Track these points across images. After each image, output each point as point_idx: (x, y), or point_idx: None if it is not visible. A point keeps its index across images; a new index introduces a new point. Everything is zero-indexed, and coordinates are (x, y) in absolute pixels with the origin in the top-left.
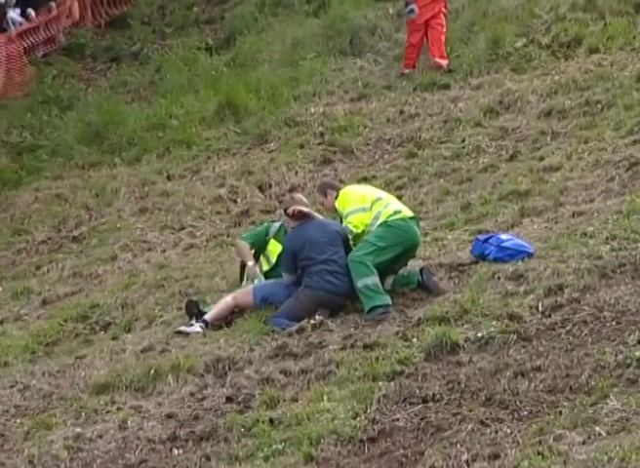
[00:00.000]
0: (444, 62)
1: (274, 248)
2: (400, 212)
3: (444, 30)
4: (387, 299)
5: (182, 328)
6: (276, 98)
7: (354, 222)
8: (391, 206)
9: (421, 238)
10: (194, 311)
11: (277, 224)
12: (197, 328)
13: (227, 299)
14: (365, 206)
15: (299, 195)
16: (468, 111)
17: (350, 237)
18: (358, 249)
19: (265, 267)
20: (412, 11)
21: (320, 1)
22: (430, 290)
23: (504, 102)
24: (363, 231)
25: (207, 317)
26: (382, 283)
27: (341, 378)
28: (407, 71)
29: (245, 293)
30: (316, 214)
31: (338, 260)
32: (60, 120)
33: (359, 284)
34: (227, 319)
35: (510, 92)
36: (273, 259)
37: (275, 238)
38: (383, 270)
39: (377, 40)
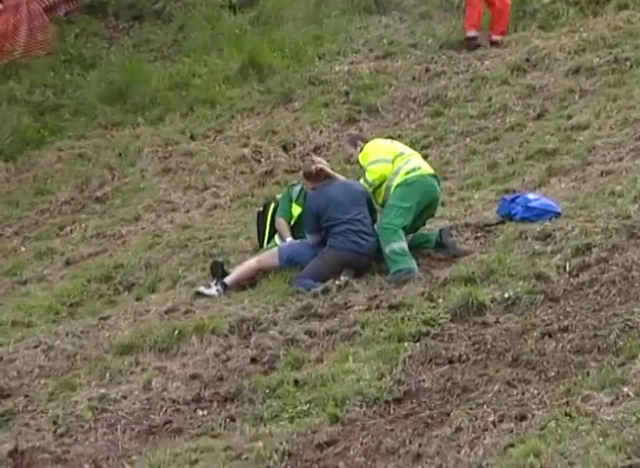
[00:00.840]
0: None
1: (295, 211)
2: (419, 168)
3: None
4: (413, 263)
5: (201, 288)
6: (300, 57)
7: (375, 171)
8: (412, 162)
9: (445, 197)
10: (219, 272)
11: (297, 188)
12: (214, 290)
13: (251, 262)
14: (387, 157)
15: (319, 158)
16: (495, 69)
17: (370, 190)
18: (385, 215)
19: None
20: None
21: None
22: (448, 249)
23: (532, 60)
24: (381, 185)
25: (227, 280)
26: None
27: (367, 339)
28: (471, 34)
29: (270, 255)
30: (338, 175)
31: (362, 220)
32: (83, 79)
33: (387, 249)
34: (251, 281)
35: (538, 49)
36: (291, 222)
37: (296, 202)
38: (406, 230)
39: None
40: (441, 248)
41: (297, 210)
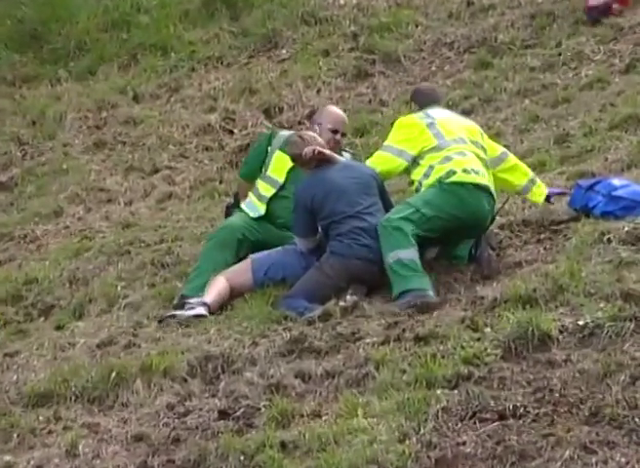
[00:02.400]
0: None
1: (280, 163)
2: (465, 171)
3: None
4: (426, 282)
5: (177, 312)
6: None
7: (375, 162)
8: (454, 161)
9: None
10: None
11: (285, 133)
12: (200, 310)
13: (220, 278)
14: (405, 148)
15: (310, 133)
16: (567, 1)
17: None
18: (395, 211)
19: (269, 192)
20: None
21: None
22: (481, 267)
23: None
24: (412, 182)
25: (207, 299)
26: (422, 256)
27: (383, 384)
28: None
29: (240, 270)
30: (339, 157)
31: (375, 214)
32: None
33: (390, 257)
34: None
35: None
36: (281, 178)
37: (282, 150)
38: (425, 243)
39: None
40: (475, 263)
41: (284, 162)
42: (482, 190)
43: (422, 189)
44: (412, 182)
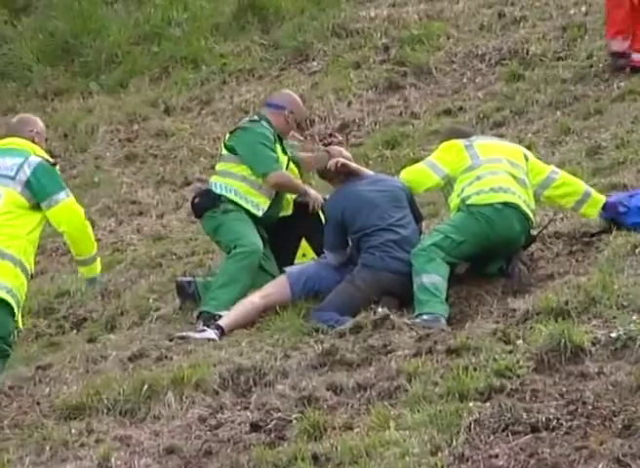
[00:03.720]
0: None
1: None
2: (492, 190)
3: None
4: (441, 309)
5: (188, 333)
6: None
7: (408, 171)
8: (483, 180)
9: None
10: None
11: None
12: (211, 333)
13: (254, 299)
14: (438, 164)
15: (337, 148)
16: (598, 14)
17: None
18: (427, 238)
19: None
20: None
21: None
22: (512, 281)
23: None
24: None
25: (223, 322)
26: (452, 272)
27: (415, 397)
28: (615, 48)
29: (277, 286)
30: (366, 170)
31: (407, 226)
32: (13, 28)
33: (415, 281)
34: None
35: None
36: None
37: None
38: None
39: None
40: (506, 278)
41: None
42: (512, 209)
43: (451, 212)
44: (449, 207)
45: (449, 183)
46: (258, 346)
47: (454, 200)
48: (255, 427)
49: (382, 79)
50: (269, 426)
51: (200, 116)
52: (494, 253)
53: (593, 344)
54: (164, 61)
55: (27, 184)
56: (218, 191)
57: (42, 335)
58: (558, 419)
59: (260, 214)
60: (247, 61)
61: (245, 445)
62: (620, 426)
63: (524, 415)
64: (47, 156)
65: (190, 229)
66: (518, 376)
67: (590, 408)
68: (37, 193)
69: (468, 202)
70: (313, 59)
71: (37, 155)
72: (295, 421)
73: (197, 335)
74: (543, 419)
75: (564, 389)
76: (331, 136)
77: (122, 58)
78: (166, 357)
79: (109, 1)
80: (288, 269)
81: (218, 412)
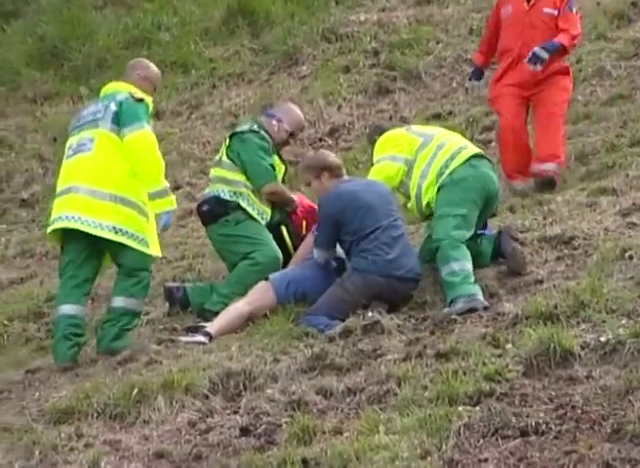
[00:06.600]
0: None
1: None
2: (461, 150)
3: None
4: (473, 289)
5: (181, 337)
6: (310, 1)
7: (377, 172)
8: (445, 147)
9: (517, 199)
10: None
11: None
12: (201, 337)
13: (239, 306)
14: (396, 154)
15: (325, 151)
16: (588, 18)
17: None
18: (437, 230)
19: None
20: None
21: None
22: (508, 261)
23: None
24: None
25: (211, 329)
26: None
27: (405, 401)
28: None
29: (261, 292)
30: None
31: (399, 226)
32: (2, 32)
33: (444, 271)
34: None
35: None
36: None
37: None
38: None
39: None
40: (500, 259)
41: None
42: (481, 159)
43: (423, 191)
44: (408, 197)
45: (406, 173)
46: (247, 350)
47: (415, 180)
48: (244, 431)
49: (372, 83)
50: (259, 430)
51: (190, 120)
52: (484, 213)
53: (582, 348)
54: None
55: (114, 119)
56: (227, 198)
57: (31, 340)
58: (547, 423)
59: (263, 222)
60: (236, 66)
61: (235, 449)
62: (609, 430)
63: (513, 420)
64: (140, 95)
65: (180, 233)
66: (507, 380)
67: (579, 412)
68: (120, 123)
69: (449, 170)
70: (303, 64)
71: (125, 92)
72: (284, 425)
73: (186, 339)
74: (533, 423)
75: (553, 393)
76: (321, 140)
77: (111, 62)
78: (155, 361)
79: (98, 6)
80: (270, 276)
81: (207, 417)
